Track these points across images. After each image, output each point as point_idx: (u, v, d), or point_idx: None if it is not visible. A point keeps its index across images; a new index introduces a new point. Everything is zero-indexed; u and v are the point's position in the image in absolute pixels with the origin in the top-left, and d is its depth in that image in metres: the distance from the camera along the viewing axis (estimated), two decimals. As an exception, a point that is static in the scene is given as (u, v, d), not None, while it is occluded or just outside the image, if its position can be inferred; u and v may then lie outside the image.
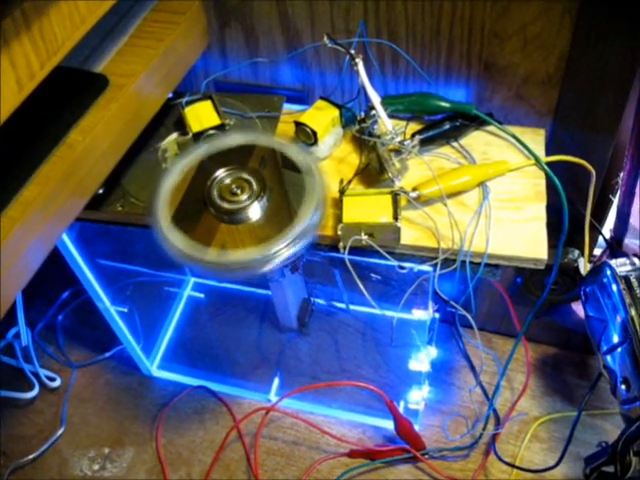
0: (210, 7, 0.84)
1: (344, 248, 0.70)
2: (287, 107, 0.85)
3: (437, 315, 1.07)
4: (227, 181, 0.72)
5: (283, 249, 0.67)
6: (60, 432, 1.06)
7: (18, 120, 0.57)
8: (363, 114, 0.77)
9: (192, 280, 1.21)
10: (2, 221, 0.59)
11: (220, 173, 0.72)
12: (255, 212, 0.70)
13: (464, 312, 0.75)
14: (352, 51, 0.70)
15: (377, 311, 0.76)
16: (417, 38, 0.80)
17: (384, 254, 0.70)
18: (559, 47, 0.77)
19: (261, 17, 0.84)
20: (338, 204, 0.71)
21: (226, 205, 0.71)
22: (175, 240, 0.67)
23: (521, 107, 0.84)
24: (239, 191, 0.71)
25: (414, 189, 0.72)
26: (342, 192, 0.71)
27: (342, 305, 1.10)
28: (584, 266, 0.88)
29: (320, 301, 1.10)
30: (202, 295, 1.20)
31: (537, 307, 0.82)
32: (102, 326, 1.08)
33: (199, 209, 0.72)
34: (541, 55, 0.78)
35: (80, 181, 0.67)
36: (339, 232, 0.69)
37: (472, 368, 1.09)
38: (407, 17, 0.79)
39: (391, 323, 0.78)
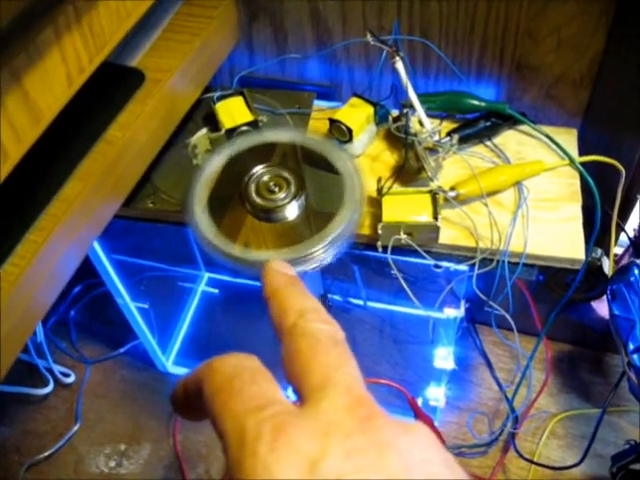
0: (239, 1, 0.83)
1: (383, 247, 0.70)
2: (316, 103, 0.85)
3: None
4: (265, 178, 0.71)
5: (320, 250, 0.66)
6: (75, 428, 1.05)
7: (57, 114, 0.56)
8: (398, 112, 0.76)
9: (206, 275, 1.20)
10: (44, 219, 0.58)
11: (258, 169, 0.71)
12: (292, 211, 0.70)
13: (502, 311, 0.75)
14: (394, 48, 0.70)
15: (410, 310, 0.76)
16: (450, 36, 0.80)
17: (423, 253, 0.70)
18: (593, 48, 0.77)
19: (291, 12, 0.83)
20: (375, 203, 0.71)
21: (263, 202, 0.70)
22: (216, 240, 0.66)
23: (551, 107, 0.84)
24: (277, 189, 0.70)
25: (452, 188, 0.72)
26: (380, 191, 0.71)
27: (359, 302, 1.10)
28: (609, 265, 0.89)
29: (337, 297, 1.10)
30: (216, 291, 1.19)
31: (560, 305, 0.83)
32: (115, 321, 1.08)
33: (235, 206, 0.71)
34: (574, 56, 0.78)
35: (118, 178, 0.66)
36: (379, 231, 0.69)
37: (489, 365, 1.09)
38: (441, 15, 0.78)
39: (428, 322, 0.78)
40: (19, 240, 0.56)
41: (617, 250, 0.99)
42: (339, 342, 0.25)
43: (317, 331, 0.25)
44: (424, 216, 0.69)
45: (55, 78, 0.53)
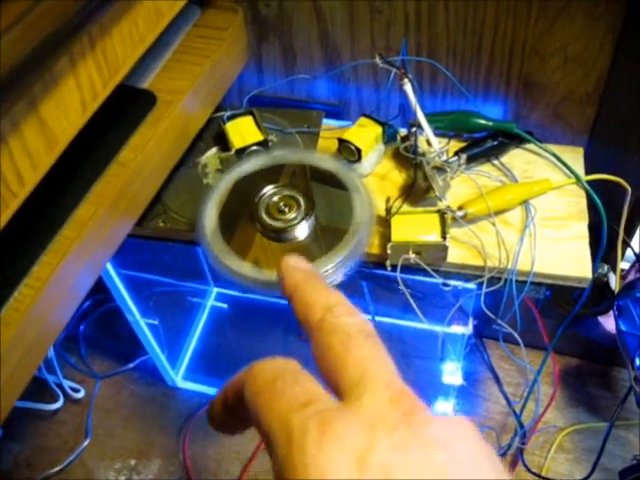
0: (249, 22, 0.84)
1: (392, 266, 0.71)
2: (324, 122, 0.85)
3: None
4: (275, 198, 0.72)
5: (330, 270, 0.67)
6: (85, 444, 1.06)
7: (71, 138, 0.57)
8: (406, 131, 0.77)
9: (215, 290, 1.21)
10: (59, 241, 0.59)
11: (268, 190, 0.72)
12: (302, 231, 0.70)
13: (510, 329, 0.76)
14: (402, 70, 0.71)
15: (418, 325, 0.76)
16: (457, 55, 0.81)
17: (431, 272, 0.71)
18: (599, 66, 0.78)
19: (300, 32, 0.84)
20: (384, 222, 0.72)
21: (274, 223, 0.71)
22: (226, 259, 0.67)
23: (558, 125, 0.85)
24: (287, 209, 0.71)
25: (460, 207, 0.73)
26: (389, 210, 0.71)
27: (367, 316, 1.11)
28: (615, 281, 0.89)
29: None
30: (225, 305, 1.20)
31: (568, 321, 0.83)
32: (124, 336, 1.08)
33: (245, 225, 0.72)
34: (581, 74, 0.79)
35: (131, 199, 0.67)
36: (388, 251, 0.69)
37: (497, 380, 1.09)
38: (448, 34, 0.79)
39: (436, 337, 0.78)
40: (34, 262, 0.57)
41: (623, 265, 0.99)
42: (370, 334, 0.25)
43: (346, 325, 0.25)
44: (432, 236, 0.69)
45: (70, 105, 0.54)
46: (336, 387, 0.23)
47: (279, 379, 0.23)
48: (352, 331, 0.24)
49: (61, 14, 0.46)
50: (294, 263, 0.30)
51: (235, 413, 0.25)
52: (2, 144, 0.47)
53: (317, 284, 0.28)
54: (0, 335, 0.52)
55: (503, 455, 1.01)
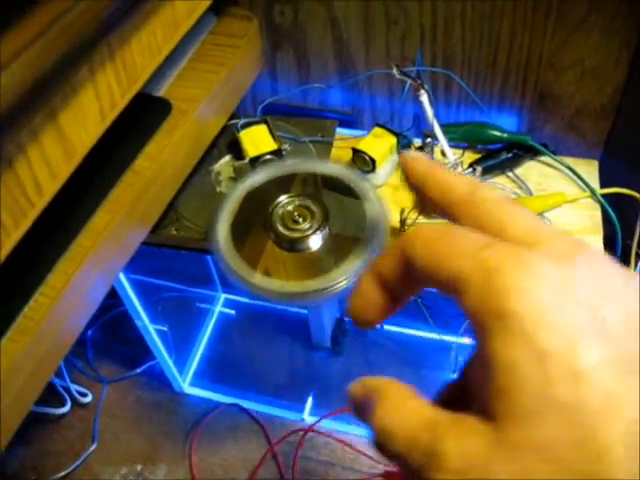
0: (264, 30, 0.84)
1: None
2: (338, 131, 0.85)
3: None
4: (289, 208, 0.71)
5: (343, 282, 0.66)
6: (92, 448, 1.06)
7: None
8: (420, 142, 0.77)
9: (223, 296, 1.21)
10: (74, 250, 0.59)
11: (282, 199, 0.72)
12: (316, 242, 0.70)
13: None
14: (418, 82, 0.70)
15: (428, 334, 0.76)
16: (473, 66, 0.81)
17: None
18: (615, 79, 0.78)
19: (314, 41, 0.84)
20: (398, 233, 0.72)
21: (288, 233, 0.70)
22: (239, 269, 0.67)
23: (572, 137, 0.84)
24: (301, 219, 0.70)
25: (474, 220, 0.72)
26: (404, 222, 0.71)
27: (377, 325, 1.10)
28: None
29: (353, 320, 1.10)
30: (233, 312, 1.20)
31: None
32: (132, 341, 1.08)
33: (257, 234, 0.72)
34: (596, 87, 0.79)
35: (146, 208, 0.66)
36: (402, 263, 0.69)
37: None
38: (464, 46, 0.79)
39: (446, 348, 0.78)
40: (49, 271, 0.57)
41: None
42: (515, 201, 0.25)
43: (497, 194, 0.24)
44: (447, 248, 0.69)
45: (89, 114, 0.54)
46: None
47: (449, 230, 0.22)
48: (503, 198, 0.24)
49: (81, 30, 0.46)
50: (416, 155, 0.30)
51: (394, 284, 0.24)
52: (21, 154, 0.47)
53: (449, 170, 0.27)
54: (15, 343, 0.52)
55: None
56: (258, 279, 0.67)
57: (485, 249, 0.21)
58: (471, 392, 0.21)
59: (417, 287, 0.24)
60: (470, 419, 0.20)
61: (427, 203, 0.26)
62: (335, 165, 0.78)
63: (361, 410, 0.24)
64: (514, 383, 0.18)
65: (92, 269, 0.60)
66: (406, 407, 0.22)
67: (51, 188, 0.51)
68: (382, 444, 0.22)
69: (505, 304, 0.19)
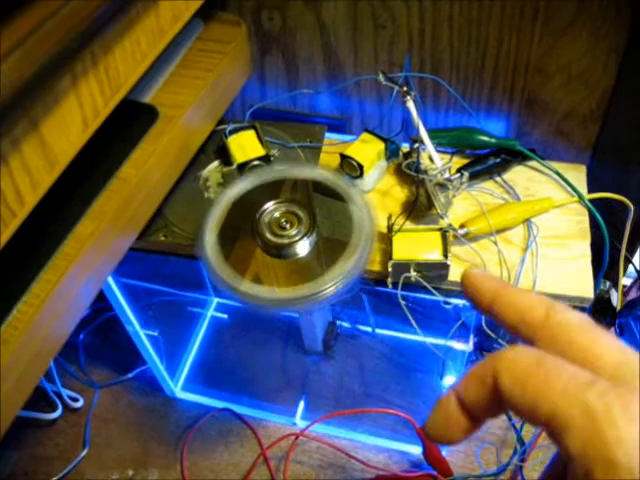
0: (252, 35, 0.84)
1: (392, 284, 0.70)
2: (327, 136, 0.85)
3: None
4: (277, 214, 0.71)
5: (331, 287, 0.67)
6: (83, 453, 1.05)
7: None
8: (408, 147, 0.77)
9: (215, 300, 1.21)
10: (58, 258, 0.59)
11: (269, 205, 0.72)
12: (304, 248, 0.70)
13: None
14: (405, 88, 0.70)
15: (419, 338, 0.76)
16: (461, 71, 0.81)
17: (432, 290, 0.70)
18: (603, 84, 0.78)
19: (303, 46, 0.84)
20: (385, 239, 0.72)
21: (275, 239, 0.70)
22: (226, 276, 0.67)
23: (560, 142, 0.84)
24: (288, 226, 0.71)
25: (462, 226, 0.72)
26: (390, 228, 0.71)
27: (368, 329, 1.10)
28: (617, 298, 0.89)
29: (345, 324, 1.10)
30: (225, 316, 1.20)
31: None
32: (123, 345, 1.08)
33: (245, 240, 0.72)
34: (584, 92, 0.79)
35: (132, 215, 0.66)
36: (389, 269, 0.69)
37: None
38: (452, 51, 0.79)
39: (438, 356, 0.78)
40: (33, 279, 0.57)
41: (625, 281, 0.99)
42: (596, 324, 0.25)
43: (577, 318, 0.24)
44: (434, 254, 0.69)
45: (71, 123, 0.53)
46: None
47: (542, 361, 0.22)
48: (584, 322, 0.24)
49: (63, 38, 0.46)
50: (483, 273, 0.29)
51: (478, 407, 0.24)
52: (2, 164, 0.47)
53: (519, 289, 0.27)
54: (-1, 353, 0.52)
55: (503, 471, 1.00)
56: (247, 287, 0.68)
57: (588, 390, 0.20)
58: None
59: (503, 412, 0.24)
60: None
61: (501, 325, 0.26)
62: (322, 170, 0.78)
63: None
64: None
65: (77, 277, 0.60)
66: None
67: (33, 197, 0.51)
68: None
69: (614, 454, 0.19)
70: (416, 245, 0.70)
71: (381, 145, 0.77)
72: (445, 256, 0.68)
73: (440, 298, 0.72)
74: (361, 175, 0.77)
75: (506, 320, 0.26)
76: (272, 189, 0.74)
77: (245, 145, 0.79)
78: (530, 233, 0.74)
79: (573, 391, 0.20)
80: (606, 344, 0.23)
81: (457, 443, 0.26)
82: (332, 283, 0.66)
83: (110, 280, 0.88)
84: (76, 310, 0.62)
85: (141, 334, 0.96)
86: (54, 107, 0.51)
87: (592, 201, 0.76)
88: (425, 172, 0.73)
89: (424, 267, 0.69)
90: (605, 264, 0.75)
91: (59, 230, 0.60)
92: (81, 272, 0.60)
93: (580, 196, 0.76)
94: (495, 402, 0.23)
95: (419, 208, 0.74)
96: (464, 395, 0.24)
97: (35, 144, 0.50)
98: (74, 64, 0.51)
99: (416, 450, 1.00)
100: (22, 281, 0.56)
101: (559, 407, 0.20)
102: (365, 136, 0.78)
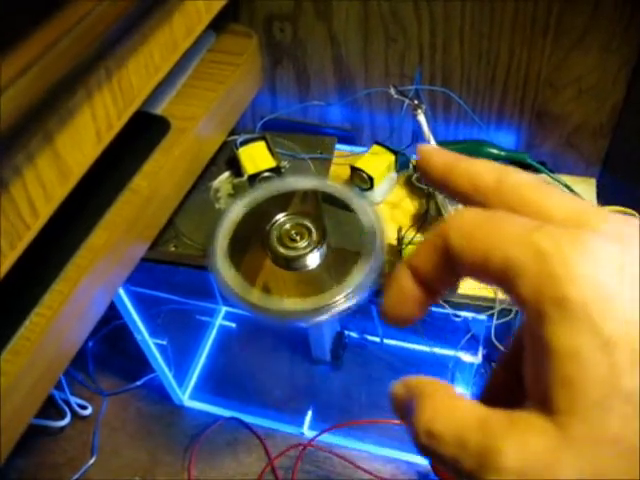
0: (264, 47, 0.85)
1: (402, 297, 0.70)
2: (337, 147, 0.85)
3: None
4: (287, 226, 0.72)
5: (342, 300, 0.67)
6: (91, 461, 1.06)
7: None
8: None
9: (224, 309, 1.21)
10: (70, 269, 0.59)
11: (280, 217, 0.72)
12: (314, 260, 0.70)
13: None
14: (415, 101, 0.71)
15: (427, 348, 0.76)
16: (471, 84, 0.81)
17: (442, 303, 0.71)
18: (613, 98, 0.78)
19: (314, 58, 0.85)
20: (396, 252, 0.72)
21: (285, 251, 0.70)
22: (237, 288, 0.67)
23: (570, 155, 0.84)
24: (298, 238, 0.71)
25: (472, 239, 0.72)
26: (401, 240, 0.71)
27: (376, 339, 1.10)
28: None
29: (353, 334, 1.10)
30: (234, 325, 1.20)
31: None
32: (132, 353, 1.08)
33: (256, 252, 0.72)
34: (594, 105, 0.79)
35: (144, 227, 0.67)
36: (399, 282, 0.69)
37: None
38: (463, 64, 0.79)
39: (445, 362, 0.78)
40: (45, 291, 0.57)
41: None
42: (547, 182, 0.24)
43: (527, 178, 0.23)
44: (444, 267, 0.69)
45: (85, 136, 0.54)
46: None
47: (492, 214, 0.21)
48: (536, 181, 0.23)
49: (79, 53, 0.47)
50: (433, 148, 0.28)
51: (432, 277, 0.23)
52: (17, 177, 0.47)
53: (472, 159, 0.26)
54: (12, 364, 0.53)
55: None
56: (256, 297, 0.68)
57: (536, 232, 0.19)
58: (524, 387, 0.20)
59: (458, 278, 0.23)
60: (527, 415, 0.19)
61: (453, 197, 0.25)
62: (333, 183, 0.78)
63: (404, 412, 0.23)
64: (579, 373, 0.18)
65: (90, 287, 0.60)
66: (454, 406, 0.21)
67: (46, 210, 0.51)
68: (428, 447, 0.20)
69: (567, 291, 0.18)
70: (426, 258, 0.70)
71: (391, 157, 0.78)
72: (455, 269, 0.68)
73: (450, 311, 0.73)
74: (371, 187, 0.77)
75: (459, 190, 0.24)
76: (282, 200, 0.74)
77: (256, 156, 0.79)
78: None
79: (523, 236, 0.20)
80: (559, 197, 0.22)
81: (414, 321, 0.25)
82: (342, 295, 0.66)
83: (119, 289, 0.88)
84: (88, 321, 0.62)
85: (150, 342, 0.97)
86: (68, 121, 0.51)
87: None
88: (435, 185, 0.73)
89: (434, 280, 0.69)
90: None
91: (72, 241, 0.61)
92: (93, 283, 0.61)
93: (590, 210, 0.76)
94: (448, 266, 0.22)
95: (429, 221, 0.74)
96: (417, 264, 0.23)
97: (49, 157, 0.50)
98: (89, 78, 0.52)
99: (423, 461, 1.00)
100: (34, 292, 0.57)
101: (509, 253, 0.20)
102: (375, 148, 0.78)
